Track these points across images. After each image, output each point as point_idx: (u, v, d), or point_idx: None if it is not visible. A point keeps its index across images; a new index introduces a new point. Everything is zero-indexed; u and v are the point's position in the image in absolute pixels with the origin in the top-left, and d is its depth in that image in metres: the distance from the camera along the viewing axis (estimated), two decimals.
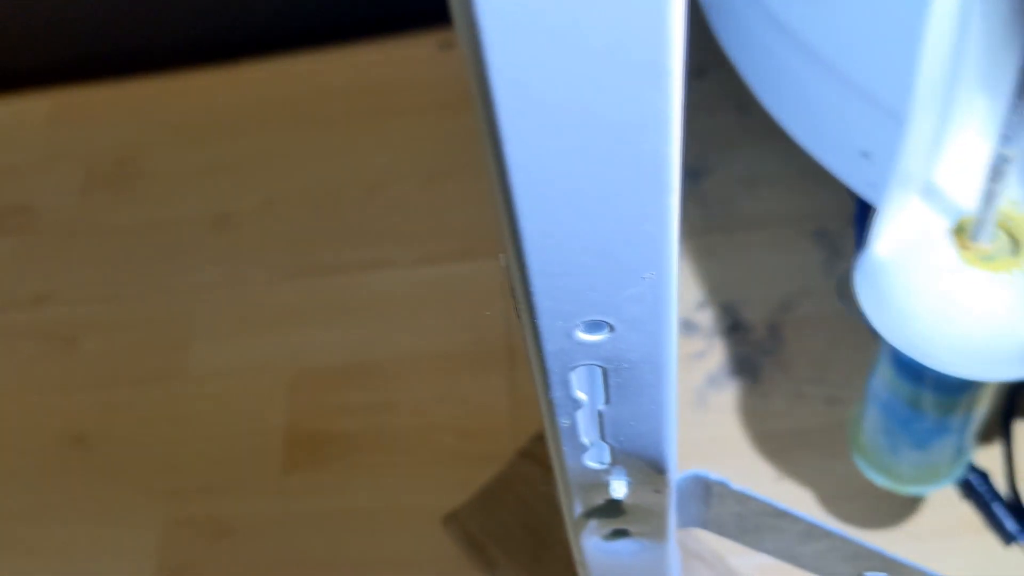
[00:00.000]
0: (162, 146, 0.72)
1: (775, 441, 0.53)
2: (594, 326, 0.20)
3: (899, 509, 0.50)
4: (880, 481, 0.42)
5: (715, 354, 0.56)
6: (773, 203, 0.61)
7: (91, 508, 0.57)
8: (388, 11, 0.72)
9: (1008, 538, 0.48)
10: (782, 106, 0.44)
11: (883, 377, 0.37)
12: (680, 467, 0.29)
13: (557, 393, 0.22)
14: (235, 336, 0.62)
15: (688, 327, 0.57)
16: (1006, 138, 0.26)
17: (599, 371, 0.22)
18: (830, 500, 0.51)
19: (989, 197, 0.27)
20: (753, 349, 0.56)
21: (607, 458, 0.25)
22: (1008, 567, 0.48)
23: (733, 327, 0.57)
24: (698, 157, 0.63)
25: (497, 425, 0.56)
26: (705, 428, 0.54)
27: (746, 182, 0.62)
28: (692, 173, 0.62)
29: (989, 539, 0.49)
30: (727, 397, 0.54)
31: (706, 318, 0.57)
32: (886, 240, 0.29)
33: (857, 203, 0.49)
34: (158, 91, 0.75)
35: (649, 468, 0.25)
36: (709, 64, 0.66)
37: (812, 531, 0.30)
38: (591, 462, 0.25)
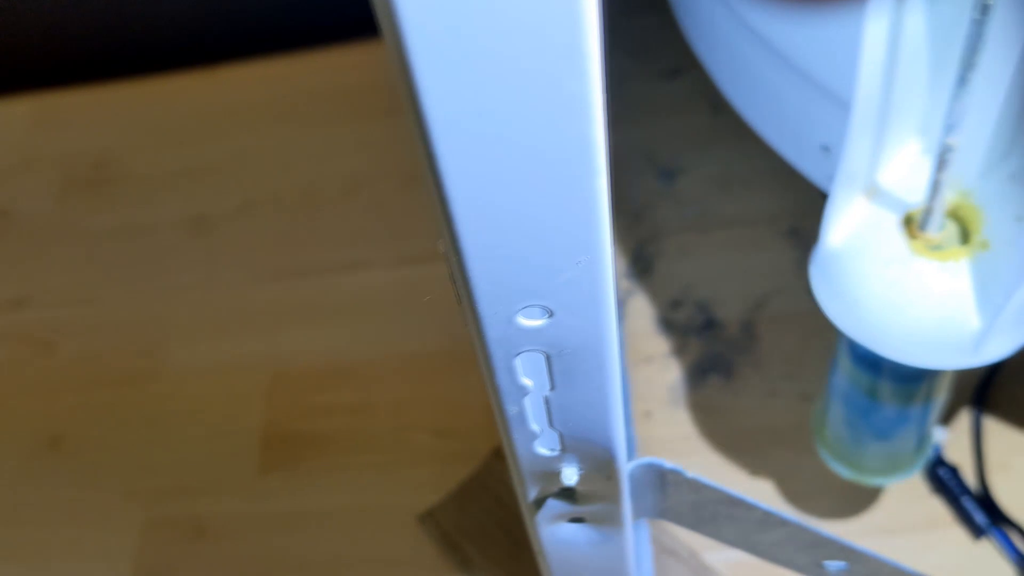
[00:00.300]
0: (140, 149, 0.72)
1: (749, 438, 0.53)
2: (534, 311, 0.20)
3: (871, 504, 0.50)
4: (845, 473, 0.42)
5: (689, 352, 0.56)
6: (747, 202, 0.61)
7: (68, 510, 0.58)
8: (365, 13, 0.73)
9: (978, 532, 0.48)
10: (749, 103, 0.45)
11: (842, 368, 0.37)
12: None
13: (502, 380, 0.22)
14: (212, 338, 0.63)
15: (662, 325, 0.57)
16: (950, 127, 0.26)
17: (543, 357, 0.22)
18: (804, 496, 0.51)
19: (936, 187, 0.28)
20: (727, 347, 0.56)
21: (557, 445, 0.25)
22: (978, 561, 0.48)
23: (707, 325, 0.57)
24: (672, 157, 0.63)
25: (473, 424, 0.57)
26: (679, 426, 0.54)
27: (720, 181, 0.62)
28: (666, 173, 0.63)
29: (959, 533, 0.49)
30: (701, 395, 0.55)
31: (680, 316, 0.58)
32: (838, 231, 0.30)
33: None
34: (136, 94, 0.75)
35: (599, 454, 0.25)
36: (683, 66, 0.66)
37: (768, 519, 0.30)
38: (542, 449, 0.25)
